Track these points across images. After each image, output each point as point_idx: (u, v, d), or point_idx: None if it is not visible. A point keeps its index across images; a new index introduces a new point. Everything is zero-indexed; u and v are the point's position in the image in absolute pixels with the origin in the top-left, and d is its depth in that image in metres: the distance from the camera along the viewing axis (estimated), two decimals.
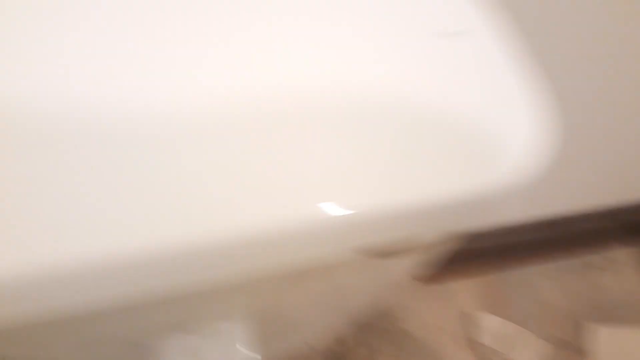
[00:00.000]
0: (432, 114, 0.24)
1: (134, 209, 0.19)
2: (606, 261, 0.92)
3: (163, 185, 0.20)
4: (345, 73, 0.24)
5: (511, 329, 0.80)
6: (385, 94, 0.24)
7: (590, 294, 0.87)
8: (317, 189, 0.22)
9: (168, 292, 0.22)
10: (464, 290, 0.83)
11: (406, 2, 0.27)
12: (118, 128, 0.21)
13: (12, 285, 0.18)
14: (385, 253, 0.26)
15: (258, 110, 0.22)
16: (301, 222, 0.21)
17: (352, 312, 0.46)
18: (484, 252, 0.82)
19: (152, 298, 0.22)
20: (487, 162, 0.24)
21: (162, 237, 0.19)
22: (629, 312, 0.86)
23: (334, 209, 0.21)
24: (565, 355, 0.81)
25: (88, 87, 0.21)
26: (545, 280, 0.87)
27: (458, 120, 0.24)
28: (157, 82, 0.22)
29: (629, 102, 0.62)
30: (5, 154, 0.19)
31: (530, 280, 0.87)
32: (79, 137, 0.20)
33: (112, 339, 0.29)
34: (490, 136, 0.24)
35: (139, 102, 0.21)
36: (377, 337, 0.76)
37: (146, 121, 0.21)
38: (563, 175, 0.70)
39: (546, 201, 0.76)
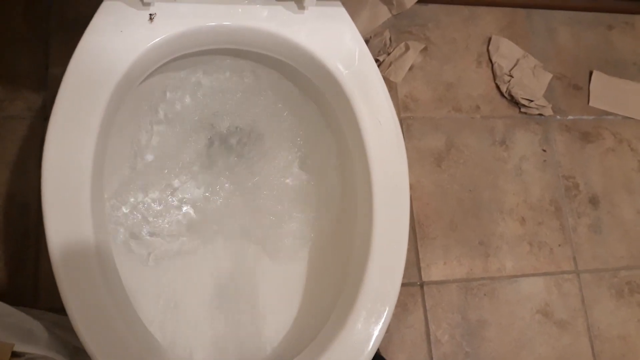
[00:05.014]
0: None
1: None
2: (627, 25, 0.96)
3: None
4: None
5: (520, 53, 0.87)
6: None
7: (603, 48, 0.93)
8: None
9: None
10: (489, 15, 0.88)
11: None
12: None
13: None
14: None
15: None
16: None
17: None
18: None
19: None
20: None
21: None
22: (632, 71, 0.93)
23: None
24: (563, 86, 0.90)
25: None
26: (566, 27, 0.92)
27: None
28: None
29: None
30: None
31: (552, 23, 0.92)
32: None
33: None
34: None
35: None
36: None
37: None
38: None
39: None
